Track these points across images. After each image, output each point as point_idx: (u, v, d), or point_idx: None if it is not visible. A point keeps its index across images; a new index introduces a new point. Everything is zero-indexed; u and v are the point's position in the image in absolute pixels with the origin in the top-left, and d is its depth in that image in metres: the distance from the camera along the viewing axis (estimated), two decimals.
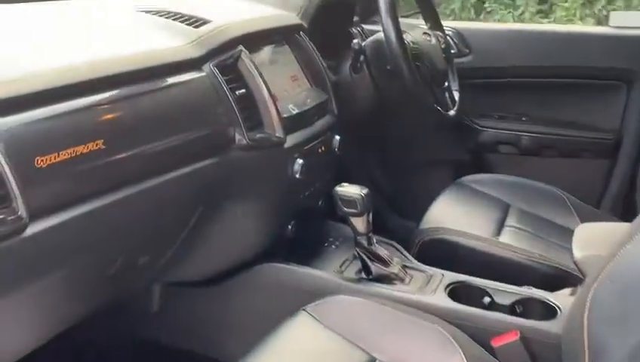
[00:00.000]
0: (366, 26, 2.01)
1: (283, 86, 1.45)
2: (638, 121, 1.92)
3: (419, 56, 1.70)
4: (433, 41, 1.79)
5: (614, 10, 4.86)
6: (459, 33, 2.05)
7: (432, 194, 1.75)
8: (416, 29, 1.81)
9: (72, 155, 0.92)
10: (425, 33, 1.79)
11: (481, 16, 5.39)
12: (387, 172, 2.09)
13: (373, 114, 1.82)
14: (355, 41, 1.72)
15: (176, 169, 1.14)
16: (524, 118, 2.04)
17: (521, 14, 5.17)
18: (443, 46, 1.83)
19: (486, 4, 5.29)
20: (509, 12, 5.20)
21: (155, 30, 1.27)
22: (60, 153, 0.90)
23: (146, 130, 1.08)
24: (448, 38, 1.91)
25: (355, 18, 2.02)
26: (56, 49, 1.06)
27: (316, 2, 1.69)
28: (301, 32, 1.58)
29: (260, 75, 1.32)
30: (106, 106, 1.01)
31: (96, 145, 0.97)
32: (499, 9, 5.22)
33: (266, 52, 1.45)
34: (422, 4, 1.89)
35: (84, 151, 0.95)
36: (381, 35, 1.67)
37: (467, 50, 2.05)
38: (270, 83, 1.35)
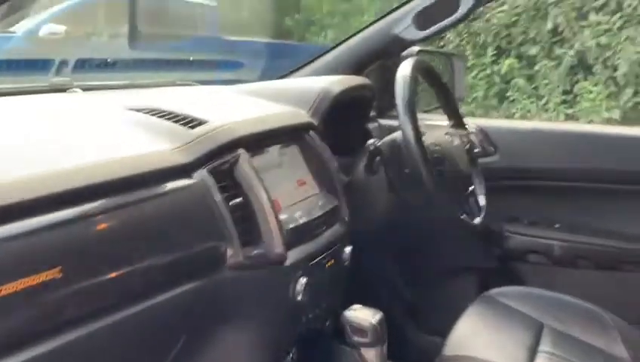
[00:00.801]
0: (384, 121, 1.85)
1: (288, 192, 1.27)
2: None
3: (441, 159, 1.52)
4: (456, 141, 1.62)
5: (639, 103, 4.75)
6: (483, 131, 1.88)
7: (457, 306, 1.54)
8: (436, 128, 1.65)
9: (24, 287, 0.76)
10: (447, 133, 1.63)
11: (504, 105, 5.29)
12: (408, 282, 1.88)
13: (389, 219, 1.63)
14: (370, 141, 1.56)
15: (155, 295, 0.96)
16: (556, 225, 1.84)
17: (545, 104, 5.06)
18: (467, 147, 1.66)
19: (509, 93, 5.20)
20: (532, 102, 5.09)
21: (143, 131, 1.11)
22: (9, 285, 0.75)
23: (117, 252, 0.90)
24: (472, 136, 1.74)
25: (372, 113, 1.87)
26: (17, 154, 0.91)
27: (329, 97, 1.53)
28: (311, 131, 1.42)
29: (261, 181, 1.15)
30: (65, 226, 0.84)
31: (53, 274, 0.80)
32: (522, 98, 5.12)
33: (270, 154, 1.29)
34: (443, 100, 1.74)
35: (38, 281, 0.78)
36: (399, 134, 1.51)
37: (493, 149, 1.87)
38: (273, 189, 1.18)
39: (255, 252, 1.10)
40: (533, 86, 5.12)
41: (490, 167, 1.80)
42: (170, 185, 1.02)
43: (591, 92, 4.80)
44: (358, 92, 1.67)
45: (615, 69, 4.70)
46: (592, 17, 4.73)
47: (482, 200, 1.64)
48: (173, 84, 1.68)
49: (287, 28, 5.51)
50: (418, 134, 1.42)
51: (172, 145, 1.07)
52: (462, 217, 1.51)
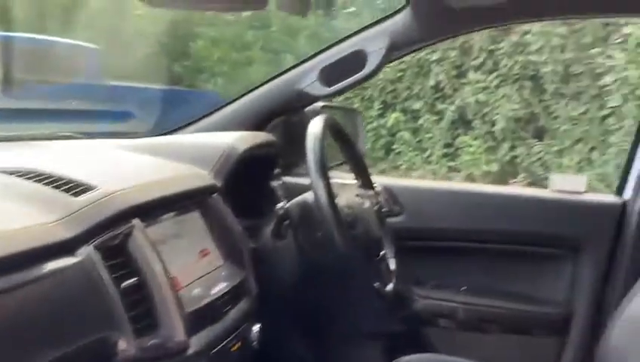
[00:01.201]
0: (289, 179, 1.73)
1: (189, 267, 1.10)
2: (590, 294, 1.68)
3: (353, 223, 1.41)
4: (367, 203, 1.52)
5: (516, 156, 4.96)
6: (389, 190, 1.80)
7: None
8: (347, 188, 1.54)
9: None
10: (357, 195, 1.52)
11: (390, 157, 5.36)
12: (316, 350, 1.73)
13: (297, 286, 1.49)
14: (279, 205, 1.42)
15: None
16: (462, 288, 1.77)
17: (428, 156, 5.18)
18: (376, 208, 1.56)
19: (395, 145, 5.28)
20: (417, 154, 5.19)
21: (15, 200, 0.91)
22: None
23: None
24: (380, 196, 1.65)
25: (277, 170, 1.73)
26: None
27: (234, 156, 1.39)
28: (214, 194, 1.26)
29: (158, 255, 0.98)
30: None
31: None
32: (407, 151, 5.21)
33: (168, 223, 1.11)
34: (351, 158, 1.64)
35: None
36: (308, 196, 1.38)
37: (399, 209, 1.79)
38: (172, 264, 1.01)
39: (151, 342, 0.92)
40: (417, 139, 5.23)
41: (396, 227, 1.72)
42: (49, 266, 0.83)
43: (471, 146, 4.96)
44: (262, 149, 1.54)
45: (493, 125, 4.89)
46: (471, 76, 4.93)
47: (393, 264, 1.54)
48: (54, 137, 1.45)
49: (176, 74, 5.29)
50: (331, 196, 1.30)
51: (52, 216, 0.88)
52: (375, 285, 1.40)
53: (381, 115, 5.35)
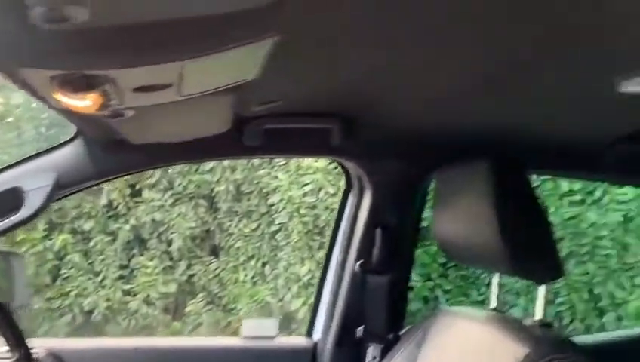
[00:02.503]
0: None
1: None
2: None
3: None
4: None
5: (193, 275, 4.84)
6: (55, 355, 1.44)
7: None
8: None
9: None
10: None
11: (58, 283, 4.77)
12: None
13: None
14: None
15: None
16: None
17: (102, 280, 4.73)
18: None
19: (62, 270, 4.71)
20: (89, 278, 4.70)
21: None
22: None
23: None
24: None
25: None
26: None
27: None
28: None
29: None
30: None
31: None
32: (77, 275, 4.69)
33: None
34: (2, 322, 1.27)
35: None
36: None
37: None
38: None
39: None
40: (89, 261, 4.78)
41: None
42: None
43: (147, 267, 4.73)
44: None
45: (169, 244, 4.74)
46: (146, 194, 4.75)
47: None
48: None
49: None
50: None
51: None
52: None
53: (47, 237, 4.76)
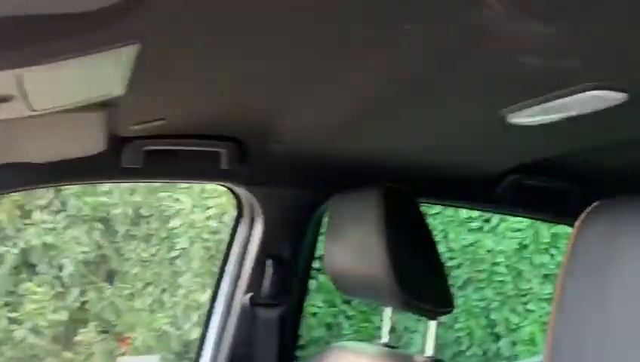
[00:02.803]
0: None
1: None
2: None
3: None
4: None
5: (86, 302, 4.57)
6: None
7: None
8: None
9: None
10: None
11: None
12: None
13: None
14: None
15: None
16: None
17: None
18: None
19: None
20: None
21: None
22: None
23: None
24: None
25: None
26: None
27: None
28: None
29: None
30: None
31: None
32: None
33: None
34: None
35: None
36: None
37: None
38: None
39: None
40: None
41: None
42: None
43: (36, 293, 4.42)
44: None
45: (61, 269, 4.47)
46: (37, 216, 4.45)
47: None
48: None
49: None
50: None
51: None
52: None
53: None
